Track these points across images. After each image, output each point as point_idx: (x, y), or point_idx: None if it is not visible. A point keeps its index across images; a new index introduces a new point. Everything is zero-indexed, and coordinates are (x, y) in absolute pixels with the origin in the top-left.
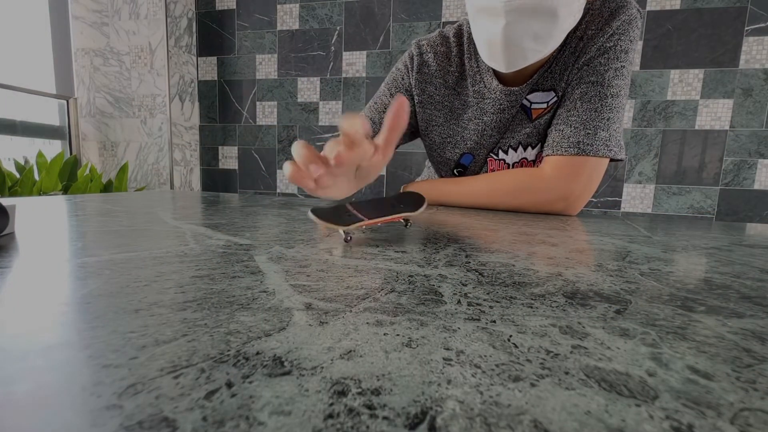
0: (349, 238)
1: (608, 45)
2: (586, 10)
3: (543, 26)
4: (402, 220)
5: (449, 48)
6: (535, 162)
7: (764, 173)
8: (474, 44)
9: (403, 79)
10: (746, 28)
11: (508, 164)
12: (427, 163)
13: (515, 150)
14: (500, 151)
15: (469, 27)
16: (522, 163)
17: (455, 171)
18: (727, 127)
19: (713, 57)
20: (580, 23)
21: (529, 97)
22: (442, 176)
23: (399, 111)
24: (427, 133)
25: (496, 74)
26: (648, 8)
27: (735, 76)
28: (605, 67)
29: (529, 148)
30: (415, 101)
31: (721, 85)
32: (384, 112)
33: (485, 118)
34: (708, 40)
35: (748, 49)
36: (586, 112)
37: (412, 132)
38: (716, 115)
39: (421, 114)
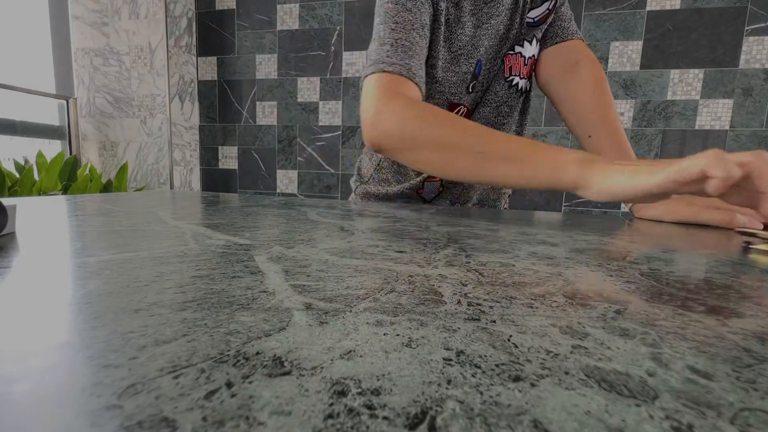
0: None
1: None
2: None
3: None
4: None
5: None
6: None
7: None
8: None
9: None
10: (746, 28)
11: (524, 56)
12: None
13: (530, 43)
14: (516, 45)
15: None
16: (532, 59)
17: (469, 87)
18: (727, 127)
19: (713, 57)
20: None
21: (529, 14)
22: (448, 99)
23: None
24: (451, 41)
25: None
26: (648, 8)
27: (735, 76)
28: None
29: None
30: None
31: (721, 85)
32: (420, 25)
33: (492, 21)
34: (708, 40)
35: (748, 49)
36: None
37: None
38: (716, 115)
39: (447, 25)
